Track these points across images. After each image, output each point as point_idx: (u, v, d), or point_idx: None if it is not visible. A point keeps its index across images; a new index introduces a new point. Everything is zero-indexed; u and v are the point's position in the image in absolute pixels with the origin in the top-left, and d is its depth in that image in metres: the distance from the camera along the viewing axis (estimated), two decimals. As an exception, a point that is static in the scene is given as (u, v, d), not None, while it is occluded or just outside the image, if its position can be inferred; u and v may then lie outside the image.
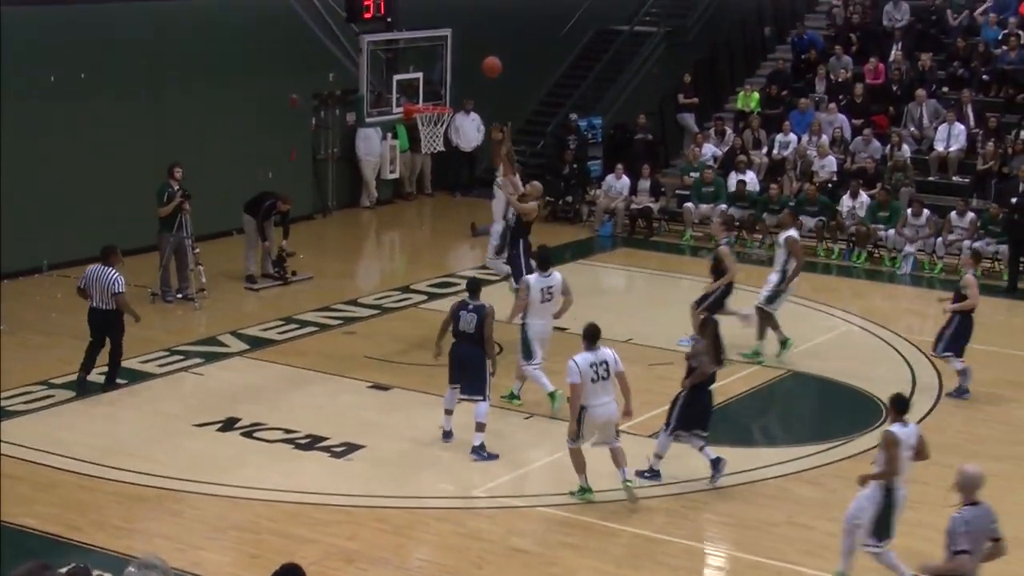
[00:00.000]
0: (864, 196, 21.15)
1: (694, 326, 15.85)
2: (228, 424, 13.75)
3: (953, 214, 20.38)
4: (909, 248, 20.42)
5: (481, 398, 13.10)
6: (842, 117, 23.31)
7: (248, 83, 21.29)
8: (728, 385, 15.21)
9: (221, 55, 20.92)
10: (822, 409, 15.62)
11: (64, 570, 8.19)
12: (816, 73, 24.67)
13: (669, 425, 12.42)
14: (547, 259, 14.60)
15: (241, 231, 19.33)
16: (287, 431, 13.57)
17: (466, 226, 22.07)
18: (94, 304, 14.45)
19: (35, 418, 13.81)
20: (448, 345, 13.29)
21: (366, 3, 18.22)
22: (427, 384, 14.02)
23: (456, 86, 18.92)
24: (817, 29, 26.28)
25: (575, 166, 23.73)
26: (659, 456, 12.49)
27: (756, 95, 24.72)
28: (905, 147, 22.40)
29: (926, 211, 20.50)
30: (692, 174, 22.82)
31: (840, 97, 23.80)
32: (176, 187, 17.55)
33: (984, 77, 23.64)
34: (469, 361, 13.14)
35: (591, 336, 11.92)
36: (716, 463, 12.42)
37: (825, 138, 22.76)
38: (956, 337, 15.13)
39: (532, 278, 14.37)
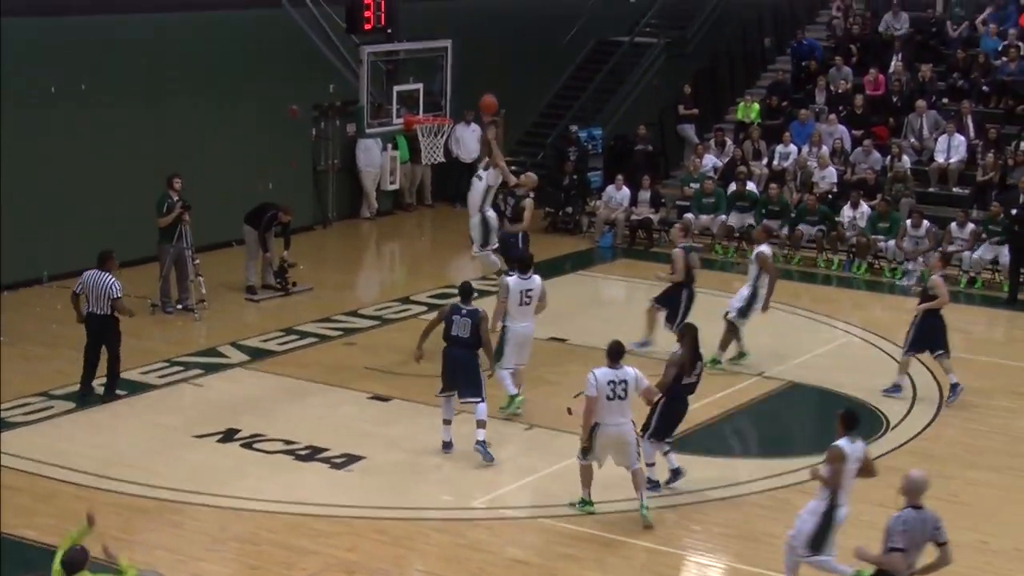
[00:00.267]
0: (864, 207, 21.19)
1: (647, 324, 16.03)
2: (228, 435, 13.77)
3: (953, 225, 20.41)
4: (910, 266, 20.42)
5: (479, 399, 13.22)
6: (842, 128, 23.35)
7: (248, 94, 21.34)
8: (728, 396, 15.25)
9: (221, 66, 20.97)
10: (821, 420, 15.58)
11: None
12: (816, 84, 24.72)
13: (647, 431, 12.42)
14: (528, 261, 14.69)
15: (241, 242, 19.36)
16: (287, 442, 13.58)
17: (466, 237, 22.04)
18: (90, 309, 14.51)
19: (35, 429, 13.83)
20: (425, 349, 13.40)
21: (366, 14, 18.25)
22: (427, 395, 14.04)
23: (456, 97, 18.94)
24: (817, 40, 26.32)
25: (575, 177, 23.76)
26: (650, 464, 12.49)
27: (756, 106, 24.77)
28: (905, 158, 22.44)
29: (926, 222, 20.53)
30: (692, 185, 22.85)
31: (840, 108, 23.84)
32: (176, 198, 17.59)
33: (984, 88, 23.68)
34: (464, 365, 13.22)
35: (614, 354, 11.77)
36: (676, 472, 12.52)
37: (825, 149, 22.80)
38: (919, 337, 15.23)
39: (511, 280, 14.39)
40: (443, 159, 19.57)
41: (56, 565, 8.74)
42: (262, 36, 21.15)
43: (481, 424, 13.21)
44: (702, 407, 14.75)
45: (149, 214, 17.81)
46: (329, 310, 18.28)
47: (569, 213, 23.59)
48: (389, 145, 23.63)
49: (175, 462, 13.08)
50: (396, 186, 24.15)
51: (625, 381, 11.64)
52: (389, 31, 18.52)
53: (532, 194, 16.71)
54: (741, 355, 16.19)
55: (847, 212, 21.24)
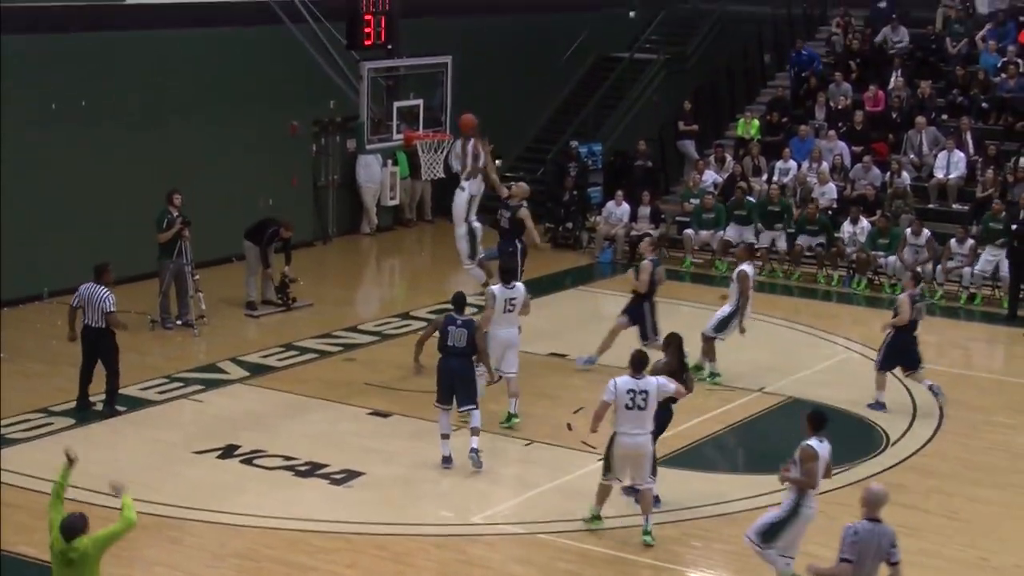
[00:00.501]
0: (864, 222, 21.22)
1: (606, 337, 16.05)
2: (228, 451, 13.76)
3: (953, 241, 20.44)
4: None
5: (474, 406, 13.37)
6: (842, 144, 23.38)
7: (248, 110, 21.38)
8: (728, 412, 15.25)
9: (222, 83, 21.01)
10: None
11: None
12: (816, 100, 24.77)
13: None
14: (512, 271, 14.83)
15: (241, 257, 19.37)
16: (287, 458, 13.58)
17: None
18: (87, 321, 14.55)
19: (34, 446, 13.81)
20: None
21: (366, 30, 18.31)
22: (427, 411, 14.04)
23: (456, 113, 19.00)
24: (817, 69, 26.32)
25: (575, 193, 23.80)
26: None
27: (756, 122, 24.81)
28: (905, 174, 22.47)
29: (926, 231, 20.59)
30: (692, 201, 22.88)
31: (840, 124, 23.88)
32: (175, 213, 17.61)
33: (983, 105, 23.73)
34: (461, 375, 13.33)
35: (638, 363, 11.68)
36: (635, 491, 12.49)
37: (825, 165, 22.83)
38: (891, 354, 15.33)
39: (496, 288, 14.56)
40: (443, 175, 19.61)
41: (55, 532, 8.80)
42: (263, 52, 21.20)
43: (475, 431, 13.34)
44: (702, 422, 14.78)
45: (149, 230, 17.82)
46: (329, 326, 18.28)
47: (569, 228, 23.62)
48: (389, 161, 23.67)
49: (175, 478, 13.07)
50: (396, 202, 24.19)
51: (646, 392, 11.53)
52: (389, 47, 18.58)
53: (525, 203, 16.76)
54: (699, 368, 16.18)
55: (847, 228, 21.27)
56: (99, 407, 14.75)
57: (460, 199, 16.53)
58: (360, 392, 15.65)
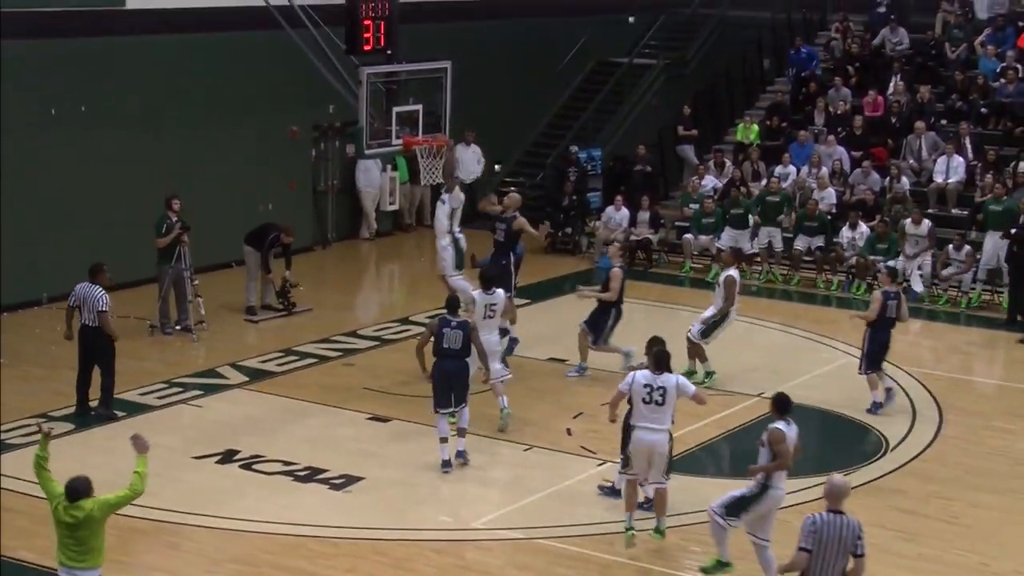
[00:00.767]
0: (863, 227, 21.22)
1: (580, 349, 16.05)
2: (227, 456, 13.76)
3: (950, 247, 20.44)
4: (916, 275, 20.48)
5: (465, 404, 13.52)
6: (841, 149, 23.39)
7: (248, 115, 21.39)
8: (727, 417, 15.25)
9: (221, 88, 21.02)
10: (822, 441, 15.60)
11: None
12: (815, 105, 24.78)
13: (625, 448, 12.40)
14: (491, 277, 14.87)
15: (241, 262, 19.37)
16: (286, 463, 13.57)
17: (466, 258, 22.08)
18: (83, 321, 14.58)
19: (34, 451, 13.76)
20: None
21: (366, 35, 18.30)
22: (426, 415, 14.03)
23: (456, 118, 19.00)
24: (816, 68, 26.32)
25: (574, 198, 23.80)
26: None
27: (755, 127, 24.82)
28: (904, 179, 22.48)
29: (926, 221, 20.65)
30: (692, 206, 22.88)
31: (839, 129, 23.89)
32: (174, 219, 17.61)
33: (983, 110, 23.73)
34: (457, 377, 13.46)
35: (660, 362, 11.63)
36: (614, 491, 12.60)
37: (824, 170, 22.84)
38: (873, 354, 15.42)
39: (476, 293, 14.63)
40: (442, 180, 19.61)
41: (55, 499, 8.82)
42: (262, 57, 21.20)
43: (462, 432, 13.51)
44: (701, 428, 14.78)
45: (149, 235, 17.82)
46: (328, 331, 18.28)
47: (568, 233, 23.61)
48: (389, 166, 23.68)
49: (174, 483, 13.05)
50: (395, 207, 24.19)
51: (664, 388, 11.47)
52: (389, 52, 18.57)
53: (518, 213, 16.77)
54: (691, 372, 16.19)
55: (846, 233, 21.27)
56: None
57: (441, 212, 16.70)
58: (359, 397, 15.64)
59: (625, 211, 22.81)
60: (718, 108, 26.80)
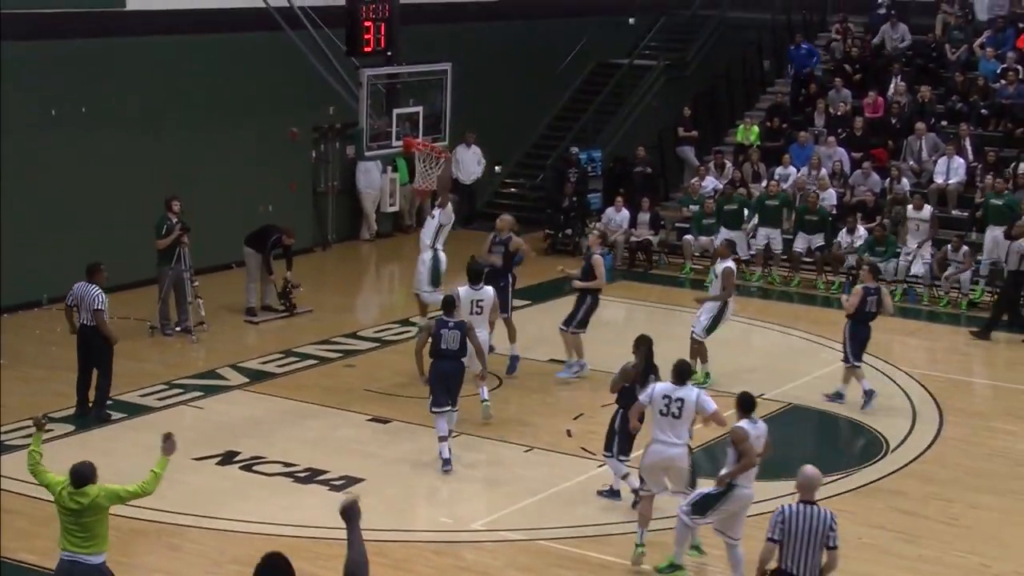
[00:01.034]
0: (861, 230, 21.21)
1: (568, 346, 16.05)
2: (227, 458, 13.76)
3: (948, 248, 20.44)
4: (920, 261, 20.50)
5: (455, 407, 13.58)
6: (841, 150, 23.40)
7: (248, 116, 21.39)
8: (727, 418, 15.22)
9: (221, 89, 21.02)
10: (822, 443, 15.63)
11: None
12: (815, 107, 24.79)
13: (611, 448, 12.49)
14: (479, 272, 14.90)
15: (241, 264, 19.37)
16: (286, 464, 13.58)
17: (466, 259, 22.07)
18: (81, 320, 14.61)
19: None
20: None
21: (366, 37, 18.32)
22: (427, 417, 14.03)
23: (456, 120, 19.03)
24: (816, 65, 26.34)
25: (575, 199, 23.81)
26: (624, 477, 12.56)
27: (756, 128, 24.82)
28: (904, 180, 22.48)
29: (927, 207, 20.69)
30: (692, 207, 22.89)
31: (839, 130, 23.90)
32: (174, 220, 17.61)
33: (983, 111, 23.74)
34: (454, 377, 13.51)
35: (680, 373, 11.49)
36: (614, 493, 12.67)
37: (824, 171, 22.84)
38: (854, 346, 15.61)
39: (462, 290, 14.63)
40: (436, 189, 19.62)
41: (58, 488, 8.81)
42: (262, 58, 21.21)
43: (451, 433, 13.58)
44: (702, 429, 14.74)
45: (149, 236, 17.82)
46: (329, 332, 18.28)
47: (568, 235, 23.61)
48: (389, 167, 23.69)
49: (174, 485, 12.97)
50: (396, 208, 24.20)
51: (682, 400, 11.31)
52: (389, 54, 18.59)
53: (512, 234, 16.75)
54: (692, 372, 16.23)
55: (844, 237, 21.27)
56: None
57: (429, 226, 16.82)
58: (360, 398, 15.65)
59: (625, 212, 22.82)
60: (718, 109, 26.82)
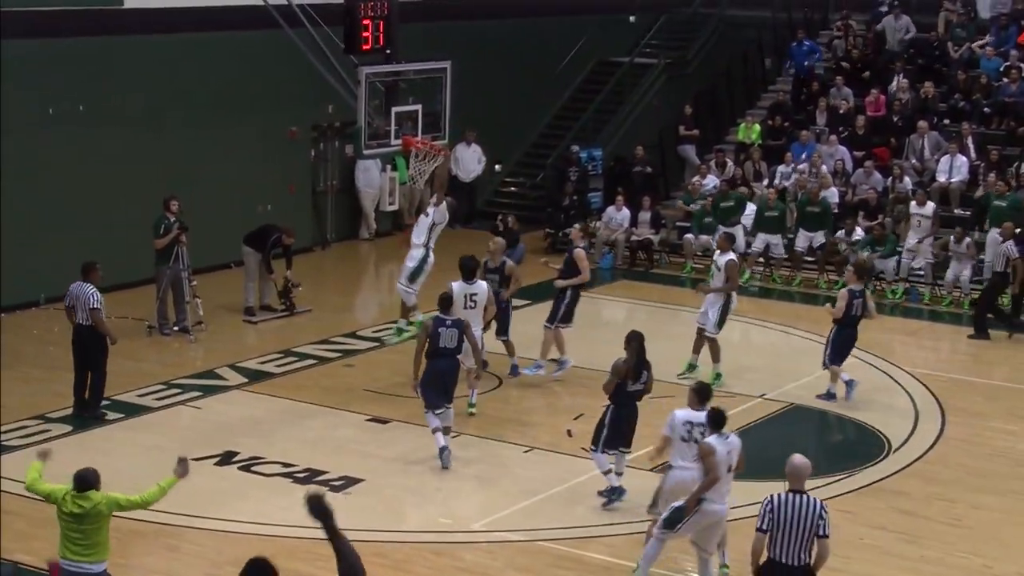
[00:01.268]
0: (859, 232, 21.21)
1: (547, 344, 16.03)
2: (226, 458, 13.77)
3: (951, 239, 20.44)
4: (921, 258, 20.55)
5: (450, 405, 13.62)
6: (843, 149, 23.40)
7: (246, 115, 21.40)
8: (729, 418, 15.22)
9: (219, 88, 21.03)
10: (824, 443, 15.63)
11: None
12: (817, 105, 24.79)
13: (596, 443, 12.51)
14: (472, 267, 14.89)
15: (240, 263, 19.37)
16: (285, 465, 13.59)
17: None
18: (77, 320, 14.62)
19: (32, 453, 13.77)
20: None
21: (364, 35, 18.31)
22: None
23: (456, 118, 19.01)
24: (818, 62, 26.35)
25: (575, 198, 23.81)
26: (607, 472, 12.60)
27: (757, 127, 24.83)
28: (907, 179, 22.48)
29: (930, 203, 20.68)
30: (693, 206, 22.90)
31: (841, 129, 23.90)
32: (172, 219, 17.62)
33: (985, 110, 23.74)
34: (451, 376, 13.57)
35: (701, 395, 11.14)
36: (617, 491, 12.64)
37: (825, 168, 22.83)
38: (837, 348, 15.71)
39: (455, 285, 14.60)
40: (431, 188, 19.61)
41: (60, 494, 8.99)
42: (260, 57, 21.21)
43: (447, 431, 13.63)
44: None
45: (147, 236, 17.83)
46: (328, 332, 18.29)
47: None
48: (388, 166, 23.68)
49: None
50: (395, 207, 24.17)
51: (704, 425, 10.98)
52: (388, 52, 18.57)
53: (506, 259, 16.71)
54: (692, 367, 16.34)
55: (843, 238, 21.25)
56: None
57: (422, 223, 16.76)
58: (359, 398, 15.65)
59: (626, 211, 22.84)
60: (719, 108, 26.82)
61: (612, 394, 12.46)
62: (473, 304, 14.60)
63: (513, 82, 25.43)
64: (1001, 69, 24.17)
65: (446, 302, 13.78)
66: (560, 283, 16.44)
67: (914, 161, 23.11)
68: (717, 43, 27.80)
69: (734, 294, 16.27)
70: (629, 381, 12.38)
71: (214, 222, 19.67)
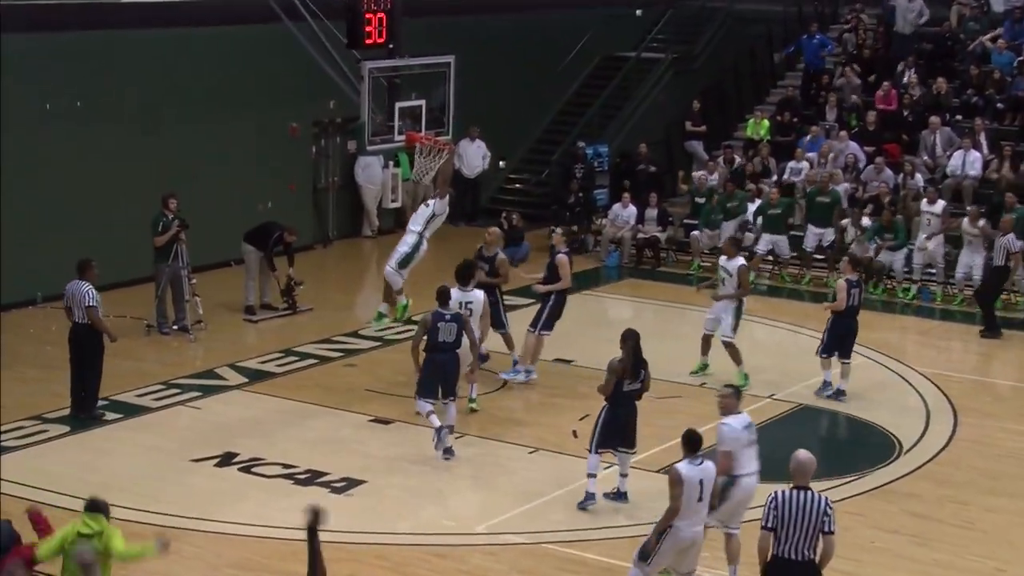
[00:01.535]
0: (866, 221, 21.14)
1: (535, 349, 16.07)
2: (226, 459, 13.77)
3: (965, 222, 20.33)
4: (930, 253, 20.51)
5: (453, 398, 13.71)
6: (854, 145, 23.37)
7: (247, 111, 21.40)
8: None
9: (219, 82, 21.03)
10: (833, 444, 15.61)
11: None
12: (827, 100, 24.76)
13: (592, 444, 12.51)
14: (469, 274, 14.94)
15: (240, 261, 19.37)
16: (286, 466, 13.58)
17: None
18: (74, 319, 14.64)
19: (29, 454, 13.83)
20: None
21: (367, 29, 18.30)
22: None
23: (460, 114, 18.98)
24: (828, 56, 26.31)
25: (580, 195, 23.80)
26: (592, 475, 12.56)
27: (766, 122, 24.80)
28: (918, 176, 22.42)
29: (941, 201, 20.63)
30: (699, 199, 22.88)
31: (852, 125, 23.87)
32: (171, 217, 17.62)
33: (999, 105, 23.70)
34: (451, 369, 13.68)
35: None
36: (621, 495, 12.64)
37: (836, 166, 22.81)
38: (834, 338, 15.87)
39: (453, 292, 14.64)
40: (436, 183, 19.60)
41: (66, 531, 9.08)
42: (261, 51, 21.22)
43: (451, 429, 13.67)
44: (712, 430, 14.75)
45: (146, 234, 17.83)
46: (330, 331, 18.29)
47: (574, 231, 23.60)
48: (391, 162, 23.68)
49: (171, 486, 13.07)
50: (398, 204, 24.19)
51: (750, 425, 10.98)
52: (391, 46, 18.56)
53: (499, 251, 16.73)
54: (704, 367, 16.44)
55: (851, 231, 21.20)
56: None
57: (422, 212, 16.65)
58: (361, 399, 15.65)
59: (632, 208, 22.81)
60: (727, 103, 26.79)
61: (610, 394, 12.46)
62: (468, 312, 14.61)
63: (517, 77, 25.42)
64: (1015, 64, 24.13)
65: (444, 296, 13.81)
66: (540, 288, 16.39)
67: (926, 157, 23.07)
68: (725, 37, 27.79)
69: (745, 301, 16.28)
70: (626, 380, 12.38)
71: (214, 219, 19.67)
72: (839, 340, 15.93)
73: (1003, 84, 23.95)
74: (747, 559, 11.19)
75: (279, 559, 11.59)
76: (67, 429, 14.51)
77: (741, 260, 16.23)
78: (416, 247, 16.46)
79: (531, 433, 14.61)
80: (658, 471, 12.94)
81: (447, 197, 16.82)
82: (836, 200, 21.60)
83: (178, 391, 15.78)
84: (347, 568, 11.44)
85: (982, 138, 22.76)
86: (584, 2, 27.56)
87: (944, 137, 23.02)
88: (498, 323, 16.22)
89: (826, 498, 9.38)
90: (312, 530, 9.12)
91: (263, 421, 14.97)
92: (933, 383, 16.77)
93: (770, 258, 21.96)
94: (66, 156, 19.06)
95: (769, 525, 9.28)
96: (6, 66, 18.06)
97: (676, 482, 10.17)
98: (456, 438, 13.91)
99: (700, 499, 10.26)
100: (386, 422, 14.92)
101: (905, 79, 24.37)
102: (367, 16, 18.10)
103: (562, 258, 16.26)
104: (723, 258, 16.41)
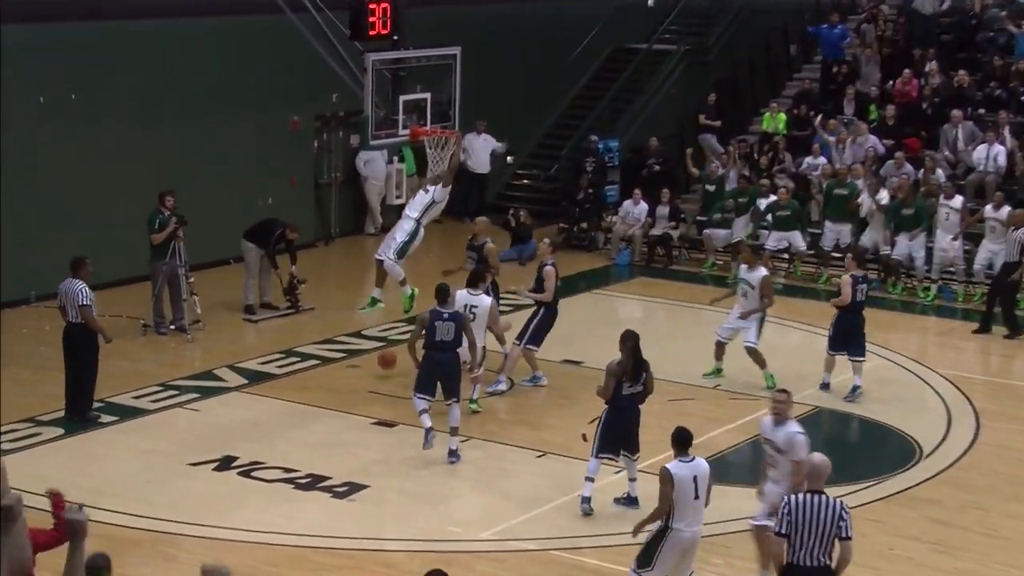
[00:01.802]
0: (884, 194, 21.06)
1: (516, 361, 16.01)
2: (225, 463, 13.76)
3: (988, 208, 20.21)
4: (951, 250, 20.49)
5: (456, 399, 13.69)
6: (873, 138, 23.30)
7: (247, 104, 21.40)
8: (753, 422, 15.17)
9: (219, 74, 21.03)
10: (852, 448, 15.57)
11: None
12: (845, 93, 24.70)
13: (593, 447, 12.54)
14: (478, 278, 15.03)
15: (239, 259, 19.37)
16: (287, 470, 13.58)
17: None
18: (68, 318, 14.66)
19: (21, 457, 13.81)
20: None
21: (371, 20, 18.31)
22: (435, 422, 14.02)
23: (466, 107, 18.99)
24: (847, 48, 26.25)
25: (590, 191, 23.75)
26: (590, 479, 12.58)
27: (783, 116, 24.72)
28: (939, 171, 22.32)
29: (959, 196, 20.57)
30: (709, 187, 22.84)
31: (871, 119, 23.81)
32: (167, 214, 17.61)
33: (1023, 98, 23.61)
34: (449, 368, 13.67)
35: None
36: (632, 500, 12.65)
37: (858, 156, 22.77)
38: (839, 335, 15.96)
39: (460, 293, 14.68)
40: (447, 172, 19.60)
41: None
42: (262, 43, 21.22)
43: (454, 431, 13.69)
44: (726, 433, 14.78)
45: (142, 231, 17.82)
46: (332, 331, 18.29)
47: (584, 229, 23.57)
48: (395, 157, 23.67)
49: (169, 491, 13.07)
50: (402, 200, 24.13)
51: (773, 440, 10.90)
52: (395, 38, 18.57)
53: (488, 239, 16.74)
54: (718, 370, 16.45)
55: (866, 200, 21.11)
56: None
57: (420, 199, 16.77)
58: (364, 401, 15.64)
59: (644, 205, 22.76)
60: (741, 96, 26.74)
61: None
62: (472, 316, 14.59)
63: (525, 70, 25.40)
64: (1040, 55, 24.05)
65: (443, 294, 13.79)
66: (528, 295, 16.33)
67: (947, 152, 22.99)
68: (739, 29, 27.73)
69: (766, 311, 16.23)
70: (626, 383, 12.35)
71: (213, 216, 19.67)
72: (843, 337, 15.96)
73: (1027, 76, 23.86)
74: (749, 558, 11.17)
75: (281, 566, 11.58)
76: (61, 432, 14.51)
77: (763, 270, 16.19)
78: (413, 234, 16.48)
79: (538, 436, 14.59)
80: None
81: (449, 187, 16.81)
82: (854, 191, 21.54)
83: (176, 393, 15.78)
84: (350, 575, 11.43)
85: (1006, 132, 22.67)
86: (594, -8, 27.54)
87: (967, 131, 22.92)
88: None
89: (842, 502, 9.36)
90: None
91: (263, 424, 14.97)
92: (954, 385, 16.72)
93: (784, 256, 21.90)
94: (62, 151, 19.07)
95: (783, 531, 9.26)
96: (10, 59, 18.05)
97: (666, 481, 10.20)
98: (461, 441, 13.89)
99: (696, 497, 10.25)
100: (390, 425, 14.91)
101: (926, 68, 24.28)
102: (371, 7, 18.15)
103: (549, 270, 16.09)
104: (744, 268, 16.27)
